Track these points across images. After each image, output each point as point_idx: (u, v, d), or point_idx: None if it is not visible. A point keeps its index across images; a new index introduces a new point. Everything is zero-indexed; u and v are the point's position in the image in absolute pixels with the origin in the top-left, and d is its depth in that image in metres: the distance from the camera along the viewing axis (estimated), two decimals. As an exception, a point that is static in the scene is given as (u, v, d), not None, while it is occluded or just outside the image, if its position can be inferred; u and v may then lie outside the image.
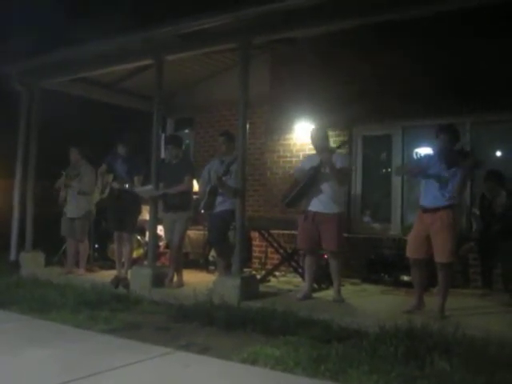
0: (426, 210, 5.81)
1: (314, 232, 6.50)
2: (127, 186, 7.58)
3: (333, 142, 7.64)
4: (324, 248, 6.53)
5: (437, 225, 5.65)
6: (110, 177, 7.80)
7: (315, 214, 6.50)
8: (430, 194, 5.79)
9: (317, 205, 6.50)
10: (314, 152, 6.91)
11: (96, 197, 8.12)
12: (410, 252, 5.92)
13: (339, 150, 6.70)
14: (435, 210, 5.70)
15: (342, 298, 6.50)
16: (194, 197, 7.75)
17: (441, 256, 5.63)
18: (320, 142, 6.64)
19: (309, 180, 6.51)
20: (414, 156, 8.30)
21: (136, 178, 7.67)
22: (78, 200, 8.43)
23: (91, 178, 8.41)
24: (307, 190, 6.54)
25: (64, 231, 8.63)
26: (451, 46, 7.49)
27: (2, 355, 4.54)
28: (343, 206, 6.80)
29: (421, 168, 6.02)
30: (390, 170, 8.68)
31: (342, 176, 6.53)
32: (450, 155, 5.71)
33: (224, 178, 7.03)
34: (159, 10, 10.07)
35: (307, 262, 6.79)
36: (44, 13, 10.62)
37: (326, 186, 6.47)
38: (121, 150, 7.84)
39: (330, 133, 8.33)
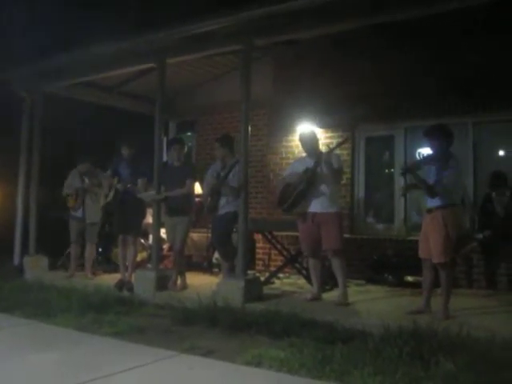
0: (427, 211, 5.88)
1: (315, 233, 6.53)
2: (129, 185, 7.59)
3: (334, 142, 7.65)
4: (325, 248, 6.52)
5: (430, 225, 5.74)
6: (115, 181, 7.81)
7: (315, 214, 6.53)
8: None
9: (316, 205, 6.53)
10: (302, 155, 6.99)
11: (102, 201, 8.14)
12: (419, 252, 5.96)
13: (335, 151, 6.74)
14: (430, 210, 5.78)
15: (347, 302, 6.40)
16: (197, 199, 7.75)
17: (434, 256, 5.68)
18: (314, 144, 6.77)
19: (306, 182, 6.54)
20: (417, 157, 8.30)
21: (140, 181, 7.67)
22: (97, 205, 8.49)
23: None
24: (305, 192, 6.57)
25: (74, 236, 8.67)
26: (453, 45, 7.49)
27: (6, 359, 4.54)
28: (340, 205, 6.91)
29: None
30: (392, 170, 8.67)
31: (339, 175, 6.68)
32: (442, 156, 5.74)
33: (226, 180, 7.05)
34: (161, 13, 10.08)
35: (311, 265, 6.79)
36: (45, 16, 10.62)
37: (323, 187, 6.52)
38: (124, 151, 7.84)
39: (333, 134, 8.38)
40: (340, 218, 6.63)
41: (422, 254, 5.89)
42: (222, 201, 7.15)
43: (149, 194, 7.54)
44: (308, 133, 6.98)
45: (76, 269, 8.67)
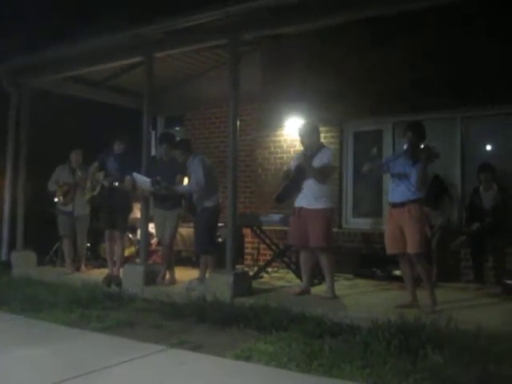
0: (394, 205, 5.92)
1: (303, 227, 6.49)
2: (117, 184, 7.55)
3: (323, 137, 7.63)
4: (311, 244, 6.49)
5: (405, 218, 5.75)
6: (101, 175, 7.76)
7: (301, 209, 6.53)
8: (397, 191, 5.89)
9: (302, 200, 6.53)
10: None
11: (87, 195, 8.09)
12: (389, 248, 5.99)
13: (325, 146, 6.70)
14: (402, 204, 5.81)
15: (334, 295, 6.41)
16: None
17: (410, 247, 5.71)
18: (306, 138, 6.64)
19: (294, 176, 6.54)
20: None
21: (127, 177, 7.61)
22: (83, 199, 8.41)
23: None
24: (294, 186, 6.56)
25: (65, 230, 8.59)
26: (441, 40, 7.51)
27: (-6, 355, 4.53)
28: (330, 201, 6.64)
29: (386, 166, 6.18)
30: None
31: (320, 175, 6.42)
32: (416, 152, 5.78)
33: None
34: (149, 7, 10.04)
35: (301, 258, 6.76)
36: (33, 11, 10.56)
37: (310, 182, 6.46)
38: (117, 147, 7.80)
39: (321, 129, 8.32)
40: (326, 214, 6.48)
41: (393, 249, 5.92)
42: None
43: (144, 180, 7.35)
44: (303, 125, 6.84)
45: (71, 263, 8.59)
